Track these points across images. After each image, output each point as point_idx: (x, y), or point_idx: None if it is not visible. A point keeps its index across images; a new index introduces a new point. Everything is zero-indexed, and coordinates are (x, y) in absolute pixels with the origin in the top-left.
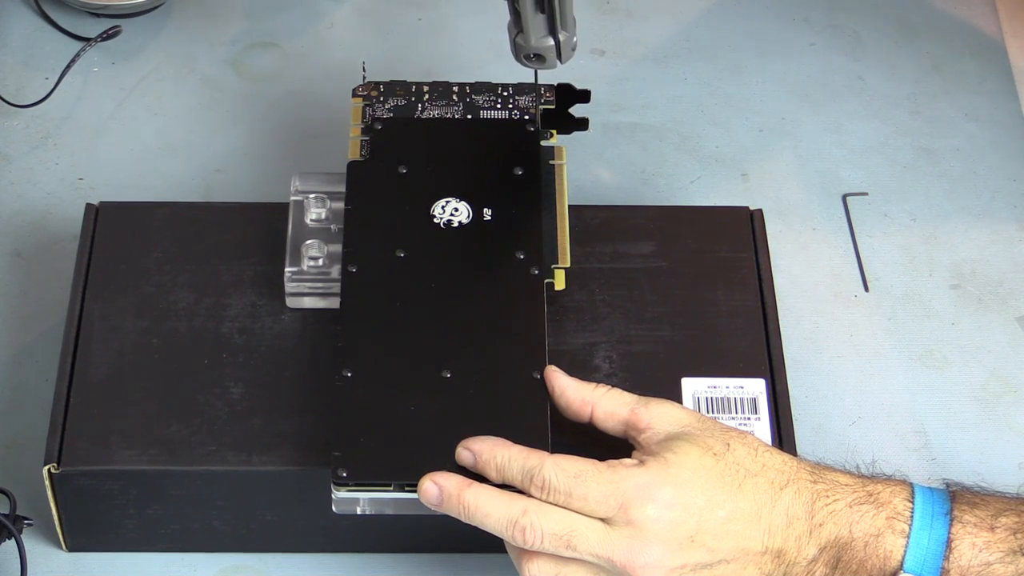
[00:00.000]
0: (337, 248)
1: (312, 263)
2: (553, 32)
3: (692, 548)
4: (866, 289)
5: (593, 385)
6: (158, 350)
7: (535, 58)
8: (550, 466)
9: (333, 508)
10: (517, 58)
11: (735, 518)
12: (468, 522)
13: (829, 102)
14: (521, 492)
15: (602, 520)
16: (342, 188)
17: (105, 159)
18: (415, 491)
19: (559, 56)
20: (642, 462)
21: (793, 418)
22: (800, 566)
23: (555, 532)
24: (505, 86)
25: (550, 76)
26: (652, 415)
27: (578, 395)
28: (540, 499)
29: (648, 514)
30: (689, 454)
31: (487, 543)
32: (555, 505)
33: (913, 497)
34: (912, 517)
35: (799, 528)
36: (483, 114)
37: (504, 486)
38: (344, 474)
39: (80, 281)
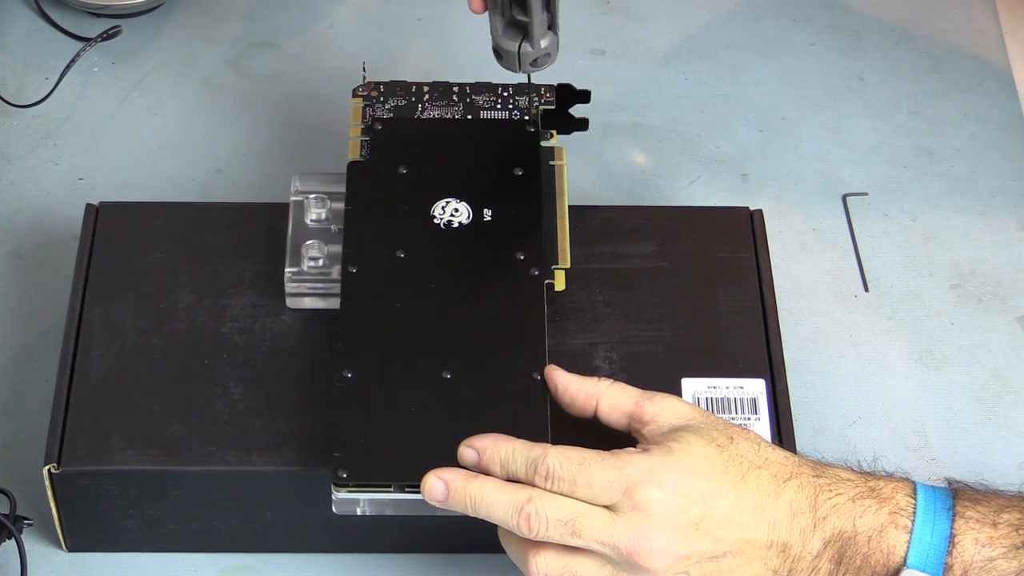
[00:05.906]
0: (337, 248)
1: (312, 263)
2: (526, 39)
3: (697, 536)
4: (866, 289)
5: (596, 379)
6: (158, 350)
7: (498, 54)
8: (554, 455)
9: (333, 509)
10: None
11: (739, 508)
12: (474, 515)
13: (829, 102)
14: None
15: (607, 508)
16: (342, 188)
17: (105, 159)
18: (415, 492)
19: (519, 64)
20: (646, 450)
21: (793, 418)
22: (805, 560)
23: (560, 518)
24: (505, 86)
25: (551, 76)
26: (656, 408)
27: (582, 390)
28: (545, 488)
29: (653, 496)
30: (693, 444)
31: (487, 543)
32: (560, 494)
33: (915, 493)
34: (915, 513)
35: (803, 522)
36: (483, 114)
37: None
38: (344, 475)
39: (80, 281)
